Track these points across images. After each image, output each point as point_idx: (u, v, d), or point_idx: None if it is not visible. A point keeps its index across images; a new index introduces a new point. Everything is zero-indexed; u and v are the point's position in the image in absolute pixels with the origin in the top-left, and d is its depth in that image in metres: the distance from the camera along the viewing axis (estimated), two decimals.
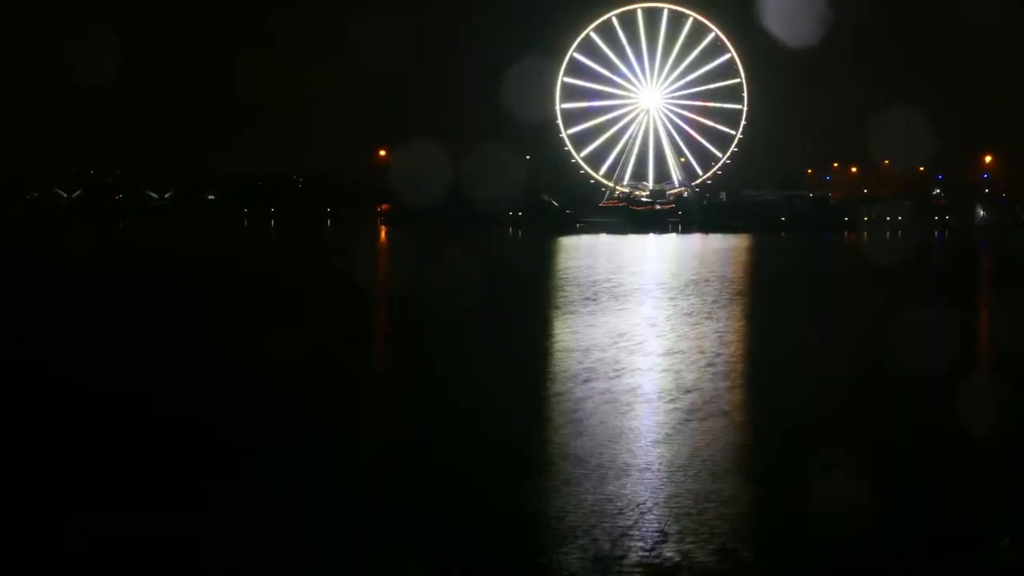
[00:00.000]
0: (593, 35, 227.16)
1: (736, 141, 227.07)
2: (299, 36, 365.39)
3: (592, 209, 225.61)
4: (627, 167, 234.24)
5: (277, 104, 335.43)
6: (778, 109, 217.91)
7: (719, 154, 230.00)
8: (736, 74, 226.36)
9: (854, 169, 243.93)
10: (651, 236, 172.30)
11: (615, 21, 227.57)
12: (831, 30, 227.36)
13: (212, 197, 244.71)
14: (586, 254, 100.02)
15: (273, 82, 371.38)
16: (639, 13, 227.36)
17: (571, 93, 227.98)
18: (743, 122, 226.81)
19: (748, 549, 16.82)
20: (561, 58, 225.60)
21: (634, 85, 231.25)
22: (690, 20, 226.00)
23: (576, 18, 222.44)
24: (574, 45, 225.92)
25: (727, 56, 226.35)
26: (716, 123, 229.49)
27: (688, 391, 29.43)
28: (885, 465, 22.39)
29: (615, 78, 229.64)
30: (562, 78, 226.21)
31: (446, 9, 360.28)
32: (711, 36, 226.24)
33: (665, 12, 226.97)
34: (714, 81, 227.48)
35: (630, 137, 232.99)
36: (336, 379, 31.97)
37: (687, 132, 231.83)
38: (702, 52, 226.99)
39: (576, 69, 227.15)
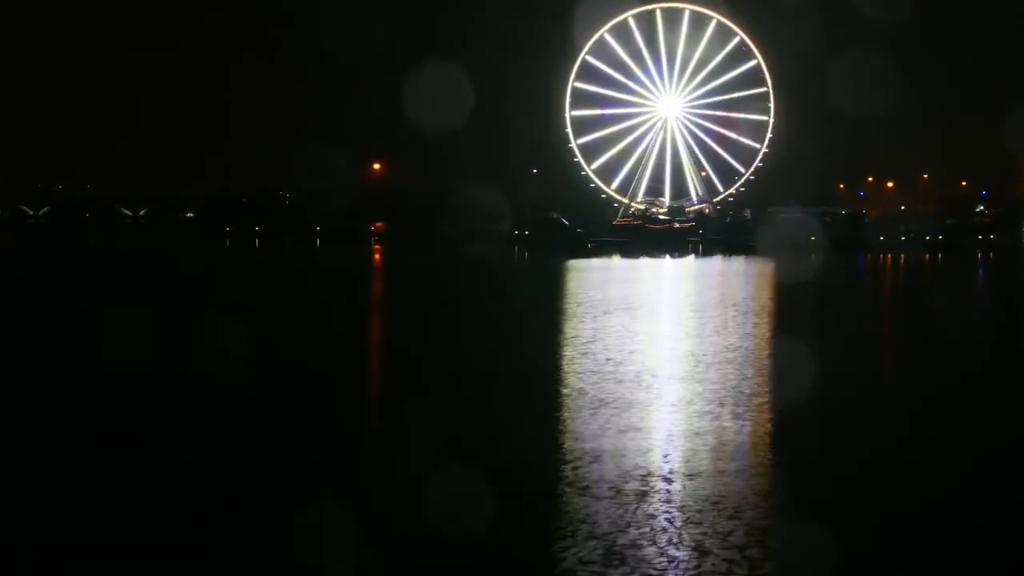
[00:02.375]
0: (608, 37, 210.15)
1: (761, 154, 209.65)
2: (287, 42, 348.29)
3: (605, 227, 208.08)
4: (643, 181, 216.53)
5: (262, 115, 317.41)
6: (808, 119, 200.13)
7: (743, 168, 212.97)
8: (763, 83, 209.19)
9: (890, 184, 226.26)
10: (667, 260, 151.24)
11: (632, 22, 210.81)
12: (868, 35, 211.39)
13: (191, 215, 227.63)
14: (597, 307, 74.89)
15: (258, 92, 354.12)
16: (658, 14, 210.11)
17: (583, 99, 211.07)
18: (769, 134, 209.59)
19: None
20: (572, 61, 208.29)
21: (651, 92, 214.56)
22: (713, 22, 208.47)
23: (589, 18, 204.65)
24: (587, 47, 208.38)
25: (753, 63, 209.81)
26: (740, 135, 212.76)
27: None
28: None
29: (631, 84, 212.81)
30: (573, 83, 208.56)
31: (444, 4, 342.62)
32: (736, 40, 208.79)
33: (686, 13, 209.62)
34: (739, 89, 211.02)
35: (646, 149, 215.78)
36: None
37: (708, 143, 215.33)
38: (726, 57, 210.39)
39: (589, 73, 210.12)
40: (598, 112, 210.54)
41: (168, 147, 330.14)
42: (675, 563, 15.85)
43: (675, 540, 16.88)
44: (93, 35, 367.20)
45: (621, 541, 16.70)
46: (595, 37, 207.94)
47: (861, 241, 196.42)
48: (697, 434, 24.95)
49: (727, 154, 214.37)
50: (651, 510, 18.51)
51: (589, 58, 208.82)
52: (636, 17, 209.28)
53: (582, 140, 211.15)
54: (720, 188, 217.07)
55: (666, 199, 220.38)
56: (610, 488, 19.72)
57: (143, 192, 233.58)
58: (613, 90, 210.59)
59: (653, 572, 15.49)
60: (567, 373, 34.87)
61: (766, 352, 42.88)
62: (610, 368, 35.24)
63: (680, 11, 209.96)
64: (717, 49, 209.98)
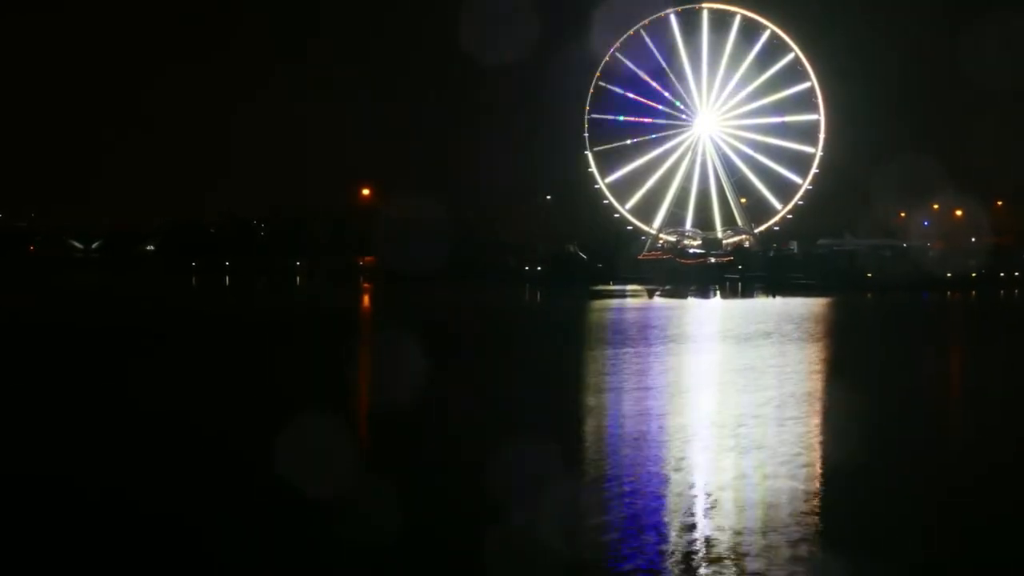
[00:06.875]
0: (620, 55, 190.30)
1: (818, 159, 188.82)
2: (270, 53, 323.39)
3: (629, 262, 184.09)
4: (677, 210, 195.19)
5: (236, 137, 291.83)
6: (862, 138, 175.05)
7: (779, 205, 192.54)
8: (805, 77, 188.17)
9: (959, 212, 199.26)
10: (691, 301, 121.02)
11: (644, 34, 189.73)
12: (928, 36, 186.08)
13: (151, 248, 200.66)
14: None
15: (233, 111, 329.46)
16: (672, 19, 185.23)
17: (602, 129, 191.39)
18: (822, 135, 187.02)
19: None
20: (587, 84, 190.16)
21: (680, 110, 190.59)
22: (737, 19, 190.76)
23: (599, 38, 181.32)
24: (598, 71, 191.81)
25: (791, 55, 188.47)
26: (782, 167, 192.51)
27: None
28: None
29: (654, 105, 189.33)
30: (590, 114, 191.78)
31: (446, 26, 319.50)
32: (767, 34, 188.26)
33: (705, 13, 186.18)
34: (779, 89, 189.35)
35: (679, 172, 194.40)
36: None
37: (748, 167, 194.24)
38: (758, 57, 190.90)
39: (605, 98, 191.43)
40: (621, 144, 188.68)
41: (127, 174, 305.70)
42: None
43: None
44: (48, 58, 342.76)
45: None
46: (606, 58, 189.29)
47: (925, 278, 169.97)
48: None
49: (766, 185, 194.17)
50: None
51: (603, 83, 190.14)
52: (647, 28, 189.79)
53: (608, 177, 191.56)
54: (740, 224, 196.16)
55: (704, 230, 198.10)
56: None
57: (96, 222, 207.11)
58: (634, 115, 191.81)
59: None
60: None
61: None
62: None
63: (697, 12, 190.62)
64: (747, 50, 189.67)
